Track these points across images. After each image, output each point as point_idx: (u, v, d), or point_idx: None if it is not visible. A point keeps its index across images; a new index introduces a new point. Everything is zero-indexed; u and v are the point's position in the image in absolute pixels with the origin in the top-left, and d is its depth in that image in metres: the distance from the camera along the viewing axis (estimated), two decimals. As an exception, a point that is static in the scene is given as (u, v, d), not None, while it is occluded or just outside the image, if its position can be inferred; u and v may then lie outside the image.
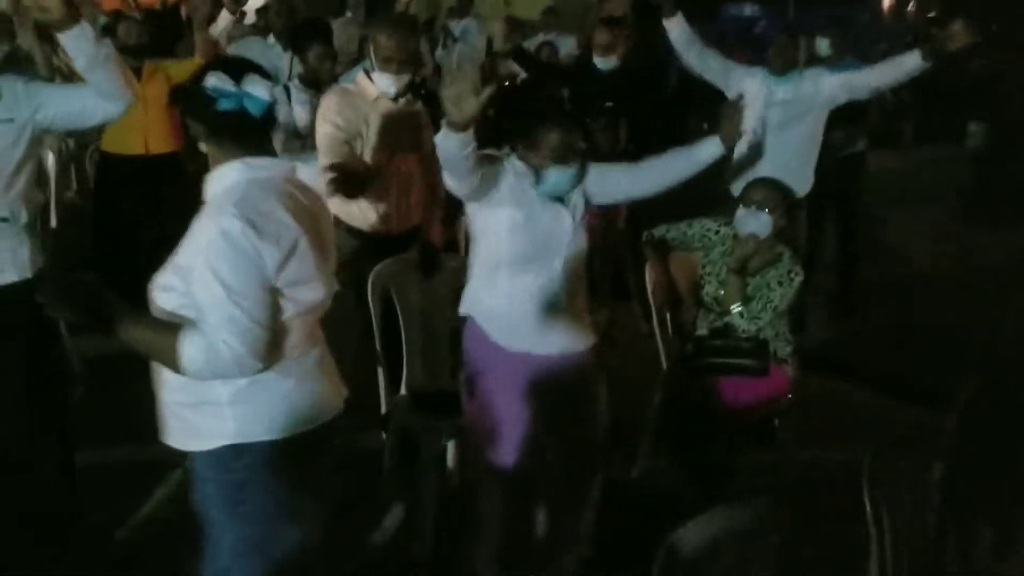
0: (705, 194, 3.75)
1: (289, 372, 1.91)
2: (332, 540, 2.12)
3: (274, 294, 1.82)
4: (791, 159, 4.18)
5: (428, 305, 3.38)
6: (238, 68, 1.86)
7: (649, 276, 3.60)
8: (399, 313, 3.32)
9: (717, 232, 3.53)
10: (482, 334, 2.67)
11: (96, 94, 2.50)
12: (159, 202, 4.56)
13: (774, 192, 3.41)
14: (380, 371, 3.32)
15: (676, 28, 4.29)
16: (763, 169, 4.06)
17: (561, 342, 2.68)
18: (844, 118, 4.55)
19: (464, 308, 2.74)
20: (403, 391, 3.34)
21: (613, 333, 4.00)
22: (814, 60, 5.09)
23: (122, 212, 4.82)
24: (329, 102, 3.29)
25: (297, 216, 1.86)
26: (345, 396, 2.09)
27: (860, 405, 4.25)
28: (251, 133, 1.86)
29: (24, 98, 2.54)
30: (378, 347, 3.31)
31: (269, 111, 1.85)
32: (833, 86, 4.24)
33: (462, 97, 2.16)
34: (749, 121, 2.76)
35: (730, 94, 4.25)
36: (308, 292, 1.89)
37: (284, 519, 1.92)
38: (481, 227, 2.63)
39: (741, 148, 4.23)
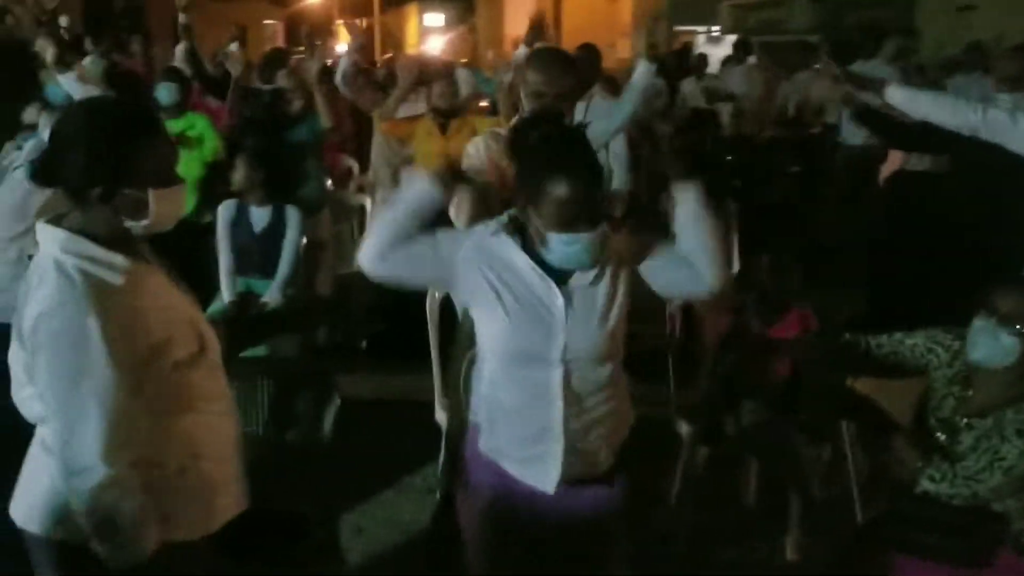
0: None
1: None
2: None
3: None
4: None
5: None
6: None
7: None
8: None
9: (948, 348, 2.53)
10: (474, 439, 2.23)
11: None
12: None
13: None
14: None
15: (900, 97, 3.24)
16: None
17: (560, 470, 2.10)
18: None
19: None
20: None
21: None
22: None
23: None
24: (477, 144, 3.06)
25: None
26: None
27: None
28: None
29: None
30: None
31: None
32: None
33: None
34: None
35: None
36: None
37: None
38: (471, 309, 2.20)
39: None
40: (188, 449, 1.80)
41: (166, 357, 1.71)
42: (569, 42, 21.80)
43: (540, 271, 2.03)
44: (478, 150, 2.87)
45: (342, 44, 29.70)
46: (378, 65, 11.42)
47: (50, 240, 1.68)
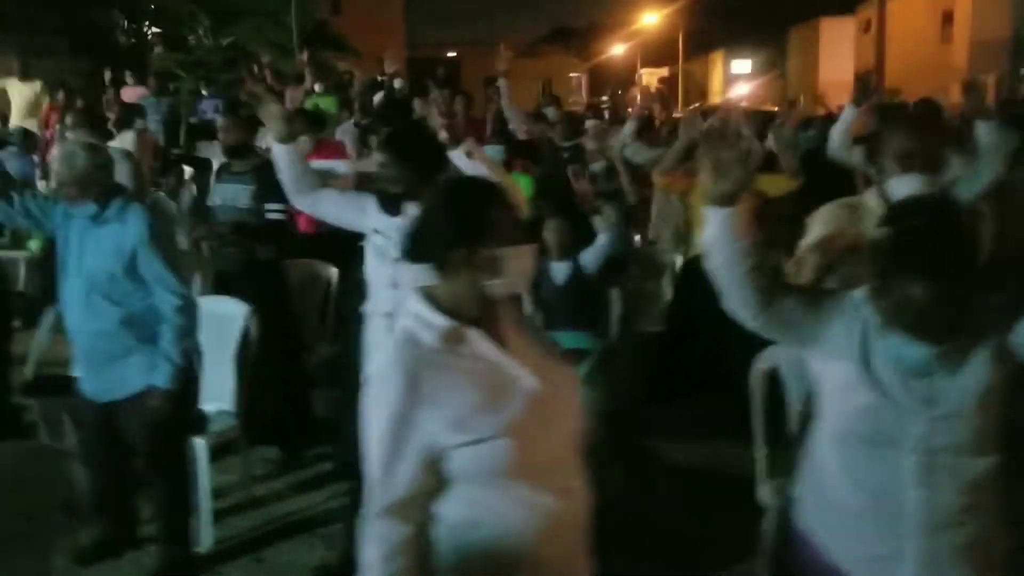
0: None
1: None
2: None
3: None
4: None
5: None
6: None
7: None
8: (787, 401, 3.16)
9: None
10: (807, 538, 2.09)
11: None
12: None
13: None
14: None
15: None
16: None
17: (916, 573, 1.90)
18: None
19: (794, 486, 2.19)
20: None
21: None
22: None
23: (688, 319, 4.96)
24: (824, 212, 2.98)
25: None
26: None
27: None
28: None
29: None
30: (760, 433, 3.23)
31: None
32: None
33: (723, 163, 1.88)
34: None
35: None
36: None
37: None
38: (816, 375, 2.07)
39: None
40: (485, 514, 1.83)
41: (474, 420, 1.79)
42: (898, 86, 20.65)
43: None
44: (825, 220, 2.81)
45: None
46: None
47: (409, 300, 1.93)
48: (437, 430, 1.79)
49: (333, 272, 4.88)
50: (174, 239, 3.31)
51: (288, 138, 3.03)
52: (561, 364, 1.98)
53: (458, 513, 1.84)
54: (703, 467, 4.34)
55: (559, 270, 4.29)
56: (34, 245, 6.67)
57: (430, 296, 1.89)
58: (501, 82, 7.28)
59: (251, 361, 3.88)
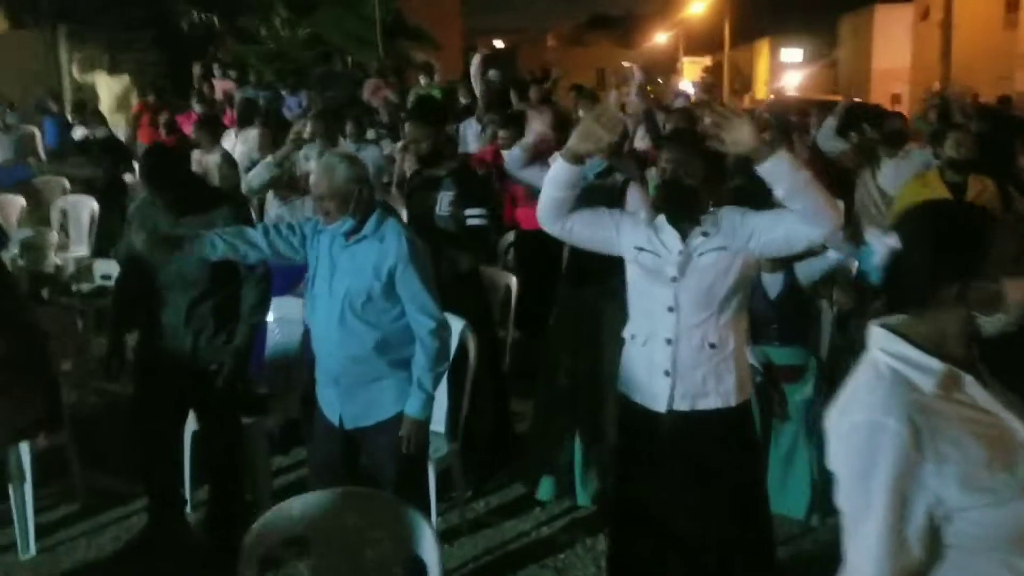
0: None
1: None
2: None
3: None
4: None
5: None
6: None
7: None
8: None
9: None
10: None
11: (798, 220, 2.59)
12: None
13: None
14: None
15: None
16: None
17: None
18: None
19: None
20: None
21: None
22: None
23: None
24: None
25: None
26: None
27: None
28: None
29: (740, 227, 2.74)
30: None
31: None
32: None
33: None
34: None
35: None
36: None
37: None
38: None
39: None
40: None
41: (986, 479, 1.59)
42: (960, 74, 20.18)
43: None
44: None
45: (686, 82, 29.97)
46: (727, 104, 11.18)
47: (873, 337, 1.71)
48: (943, 488, 1.57)
49: (513, 280, 4.67)
50: (429, 258, 3.06)
51: (580, 160, 2.69)
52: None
53: None
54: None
55: (773, 283, 4.04)
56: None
57: (902, 334, 1.67)
58: (636, 73, 7.09)
59: (469, 381, 3.66)
